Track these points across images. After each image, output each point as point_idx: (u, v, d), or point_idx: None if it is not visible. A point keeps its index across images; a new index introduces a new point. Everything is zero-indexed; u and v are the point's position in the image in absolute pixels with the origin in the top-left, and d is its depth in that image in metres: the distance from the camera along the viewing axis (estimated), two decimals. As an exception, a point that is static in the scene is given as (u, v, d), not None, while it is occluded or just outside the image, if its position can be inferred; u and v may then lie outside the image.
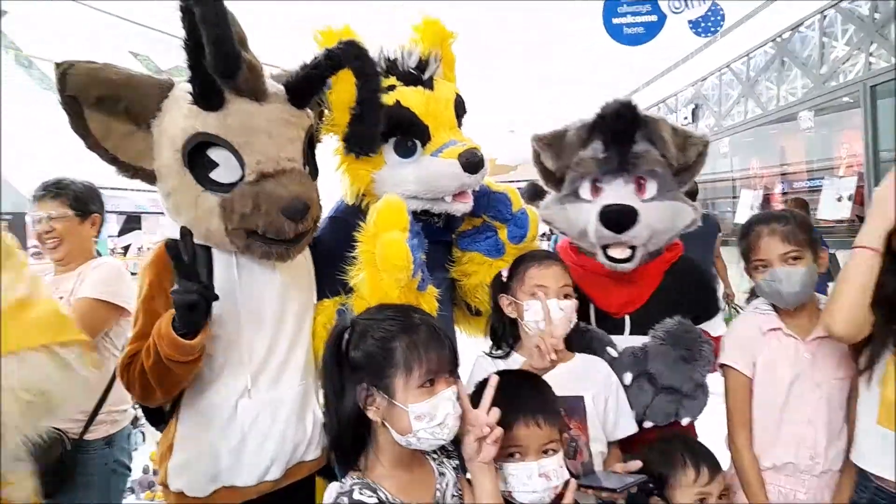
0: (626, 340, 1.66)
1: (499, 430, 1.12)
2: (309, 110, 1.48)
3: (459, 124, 1.77)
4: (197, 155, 1.34)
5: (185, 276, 1.24)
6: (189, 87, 1.31)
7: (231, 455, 1.40)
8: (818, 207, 5.73)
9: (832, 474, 1.56)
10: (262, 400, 1.42)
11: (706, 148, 1.72)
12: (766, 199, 6.86)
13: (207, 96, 1.30)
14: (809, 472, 1.55)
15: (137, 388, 1.36)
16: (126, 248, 7.39)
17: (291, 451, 1.45)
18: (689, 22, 4.84)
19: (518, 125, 11.02)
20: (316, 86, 1.45)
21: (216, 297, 1.28)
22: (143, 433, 3.86)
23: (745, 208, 7.23)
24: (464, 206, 1.69)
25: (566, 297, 1.49)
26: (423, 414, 1.08)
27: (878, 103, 4.74)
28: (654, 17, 4.76)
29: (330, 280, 1.56)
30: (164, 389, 1.34)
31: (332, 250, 1.57)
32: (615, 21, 4.82)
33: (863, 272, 1.38)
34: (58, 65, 1.29)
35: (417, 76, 1.69)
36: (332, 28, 1.60)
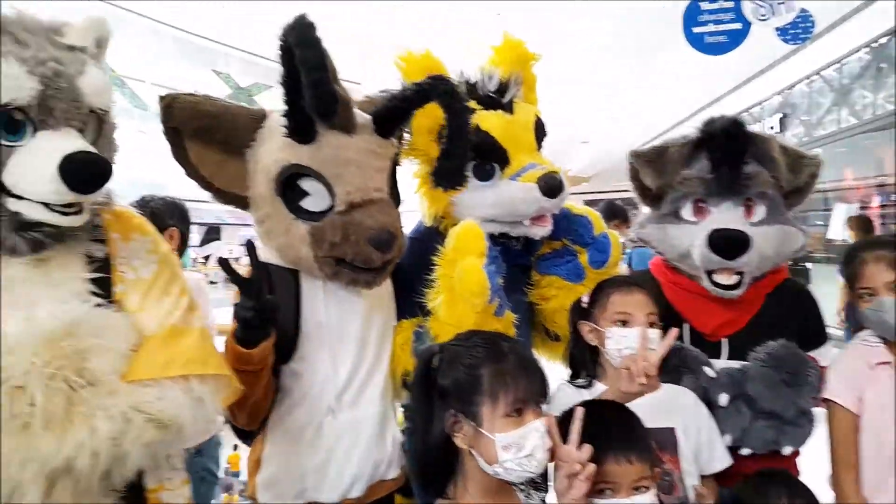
0: (723, 365, 1.58)
1: (591, 467, 1.08)
2: (394, 139, 1.51)
3: (539, 147, 1.76)
4: (289, 185, 1.39)
5: (244, 292, 1.28)
6: (281, 119, 1.36)
7: (316, 473, 1.44)
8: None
9: (951, 525, 1.43)
10: (345, 419, 1.46)
11: (819, 169, 1.63)
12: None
13: (302, 131, 1.35)
14: (924, 520, 1.43)
15: None
16: (207, 258, 7.82)
17: (373, 470, 1.48)
18: (777, 29, 4.60)
19: (591, 136, 10.88)
20: (403, 118, 1.48)
21: (276, 311, 1.32)
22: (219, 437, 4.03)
23: (839, 223, 6.83)
24: (542, 230, 1.67)
25: (652, 325, 1.43)
26: (510, 444, 1.07)
27: None
28: (738, 25, 4.55)
29: (408, 301, 1.59)
30: (236, 404, 1.37)
31: (410, 272, 1.58)
32: (696, 30, 4.65)
33: None
34: (162, 98, 1.37)
35: (497, 100, 1.69)
36: (413, 53, 1.63)
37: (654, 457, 1.21)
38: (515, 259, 1.69)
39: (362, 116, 1.45)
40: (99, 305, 1.10)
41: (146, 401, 1.04)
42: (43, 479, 0.95)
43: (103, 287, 1.13)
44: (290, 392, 1.46)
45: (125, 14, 4.60)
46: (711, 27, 4.68)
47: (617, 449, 1.14)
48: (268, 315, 1.30)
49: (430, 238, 1.63)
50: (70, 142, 1.04)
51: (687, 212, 1.62)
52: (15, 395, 0.94)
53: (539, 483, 1.21)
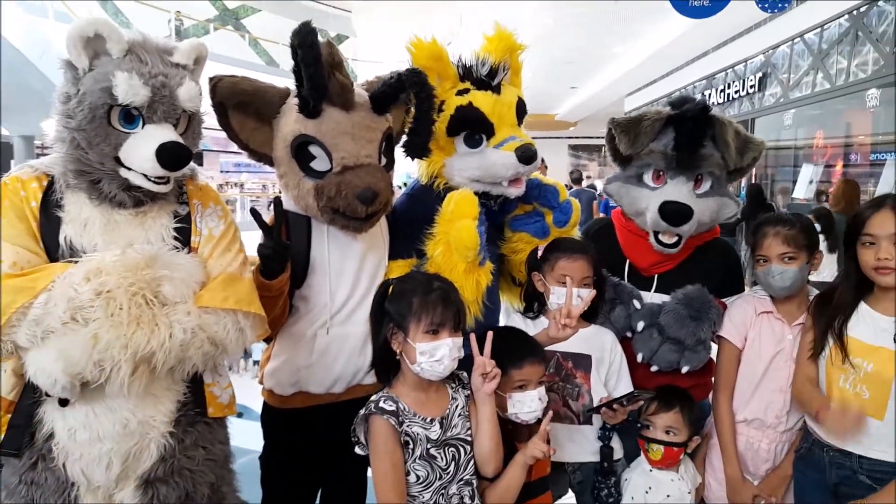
0: (650, 296, 1.99)
1: (497, 371, 1.54)
2: (388, 115, 1.83)
3: (520, 123, 2.05)
4: (301, 149, 1.73)
5: (266, 234, 1.66)
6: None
7: (307, 370, 1.83)
8: (878, 183, 5.74)
9: (791, 433, 1.89)
10: (335, 333, 1.82)
11: (761, 154, 1.98)
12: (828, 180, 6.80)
13: (307, 108, 1.69)
14: (774, 428, 1.88)
15: None
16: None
17: (352, 375, 1.86)
18: (757, -2, 4.85)
19: (580, 82, 10.96)
20: (390, 100, 1.78)
21: (288, 252, 1.67)
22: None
23: (804, 183, 7.19)
24: (516, 191, 1.99)
25: (585, 286, 1.82)
26: (425, 351, 1.49)
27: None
28: (720, -9, 4.78)
29: (403, 245, 1.93)
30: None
31: (406, 222, 1.95)
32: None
33: None
34: (210, 79, 1.70)
35: (488, 82, 1.98)
36: (422, 40, 1.92)
37: (547, 361, 1.68)
38: (492, 217, 2.02)
39: (361, 96, 1.77)
40: (175, 248, 1.51)
41: (208, 323, 1.45)
42: (132, 362, 1.36)
43: (184, 237, 1.54)
44: (297, 310, 1.83)
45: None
46: (696, -9, 4.90)
47: (533, 355, 1.62)
48: (283, 253, 1.67)
49: (426, 194, 1.99)
50: (166, 133, 1.43)
51: (648, 177, 1.99)
52: (109, 301, 1.35)
53: (466, 383, 1.64)
